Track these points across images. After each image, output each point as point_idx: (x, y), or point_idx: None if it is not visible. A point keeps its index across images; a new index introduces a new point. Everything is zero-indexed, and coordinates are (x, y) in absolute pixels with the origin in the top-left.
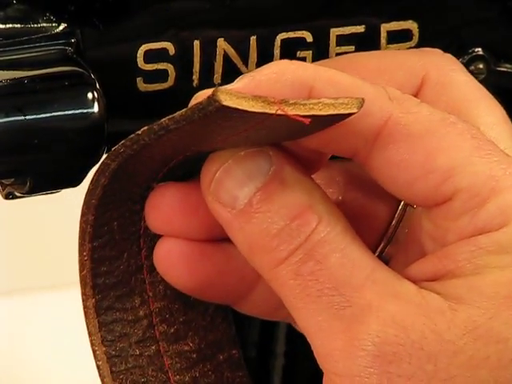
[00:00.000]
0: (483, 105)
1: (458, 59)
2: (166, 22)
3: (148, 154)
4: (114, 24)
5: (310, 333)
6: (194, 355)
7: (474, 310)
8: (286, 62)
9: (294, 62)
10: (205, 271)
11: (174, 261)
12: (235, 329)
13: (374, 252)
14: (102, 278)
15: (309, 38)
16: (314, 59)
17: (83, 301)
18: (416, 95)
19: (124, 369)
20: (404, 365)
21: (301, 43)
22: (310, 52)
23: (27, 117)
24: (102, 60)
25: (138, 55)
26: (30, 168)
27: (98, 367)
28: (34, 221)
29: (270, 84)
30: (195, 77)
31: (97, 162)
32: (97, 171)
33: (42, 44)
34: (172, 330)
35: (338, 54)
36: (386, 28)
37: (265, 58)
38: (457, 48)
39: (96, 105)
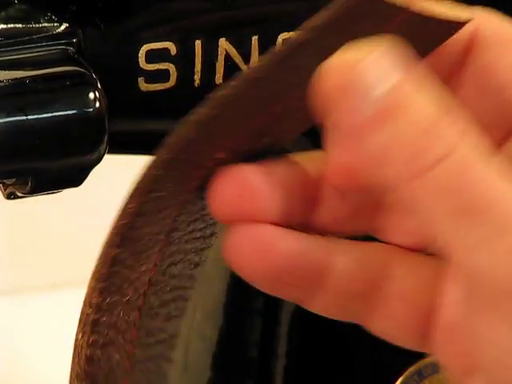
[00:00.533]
0: None
1: None
2: (168, 22)
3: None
4: (116, 24)
5: (456, 250)
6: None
7: None
8: None
9: None
10: (284, 259)
11: (256, 248)
12: (236, 329)
13: None
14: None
15: None
16: None
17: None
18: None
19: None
20: None
21: None
22: None
23: (29, 117)
24: (104, 60)
25: (139, 55)
26: (32, 168)
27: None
28: (34, 221)
29: None
30: (197, 77)
31: (98, 163)
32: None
33: (44, 44)
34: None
35: None
36: None
37: None
38: None
39: (97, 105)
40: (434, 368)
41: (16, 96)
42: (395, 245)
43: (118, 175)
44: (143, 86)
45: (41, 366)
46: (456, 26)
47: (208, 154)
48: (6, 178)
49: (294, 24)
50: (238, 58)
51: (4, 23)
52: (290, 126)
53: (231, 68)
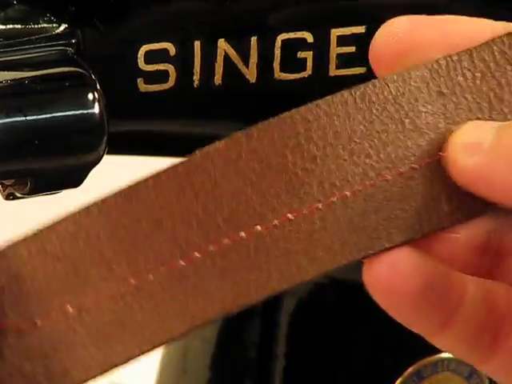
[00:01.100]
0: None
1: None
2: (167, 23)
3: None
4: (115, 25)
5: None
6: None
7: None
8: None
9: None
10: (423, 278)
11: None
12: (235, 330)
13: None
14: None
15: (309, 38)
16: (315, 60)
17: None
18: None
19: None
20: None
21: (301, 44)
22: (311, 53)
23: (28, 117)
24: (103, 61)
25: (138, 56)
26: (31, 169)
27: None
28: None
29: None
30: (196, 77)
31: (97, 163)
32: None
33: (43, 45)
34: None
35: (338, 55)
36: None
37: (265, 58)
38: None
39: (96, 105)
40: (433, 369)
41: (15, 97)
42: None
43: (117, 175)
44: (142, 86)
45: None
46: None
47: None
48: (5, 179)
49: (293, 25)
50: (236, 59)
51: (3, 24)
52: None
53: (230, 69)
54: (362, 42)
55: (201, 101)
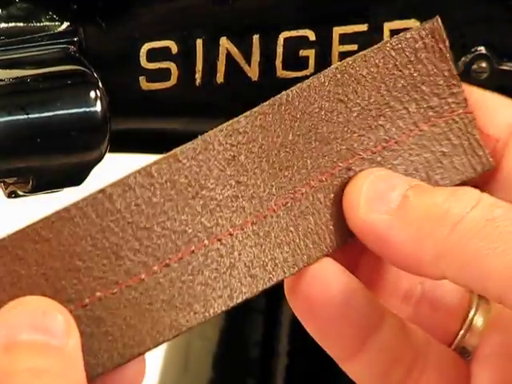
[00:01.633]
0: None
1: (461, 58)
2: (169, 21)
3: None
4: (117, 23)
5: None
6: None
7: None
8: None
9: None
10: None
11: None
12: (237, 329)
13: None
14: None
15: (312, 36)
16: (317, 58)
17: None
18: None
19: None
20: None
21: (303, 42)
22: (313, 51)
23: (30, 115)
24: (105, 59)
25: (140, 54)
26: (33, 167)
27: None
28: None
29: None
30: (198, 75)
31: (99, 161)
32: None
33: (45, 43)
34: None
35: (340, 53)
36: (388, 27)
37: (267, 56)
38: (459, 47)
39: (98, 103)
40: None
41: (17, 95)
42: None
43: (118, 174)
44: (144, 84)
45: None
46: None
47: None
48: (6, 177)
49: (295, 23)
50: (238, 57)
51: (5, 22)
52: None
53: (232, 67)
54: (364, 40)
55: (203, 99)
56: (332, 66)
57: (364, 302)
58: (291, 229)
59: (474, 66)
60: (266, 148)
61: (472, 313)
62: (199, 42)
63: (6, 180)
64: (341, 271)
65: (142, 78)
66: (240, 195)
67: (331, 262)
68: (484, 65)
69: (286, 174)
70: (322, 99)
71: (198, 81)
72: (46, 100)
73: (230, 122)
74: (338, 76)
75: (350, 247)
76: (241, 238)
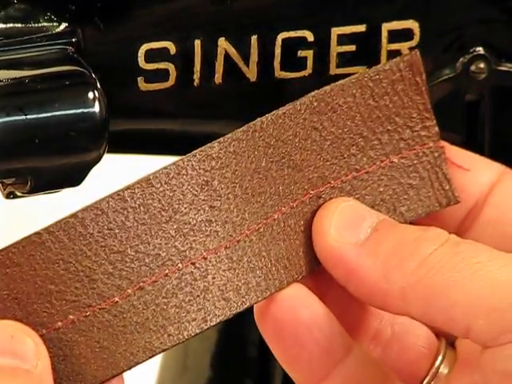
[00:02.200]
0: None
1: (459, 59)
2: (167, 22)
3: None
4: (115, 23)
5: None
6: None
7: None
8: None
9: None
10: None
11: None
12: (236, 329)
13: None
14: None
15: (310, 37)
16: (315, 58)
17: None
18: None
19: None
20: None
21: (302, 42)
22: (311, 51)
23: (28, 116)
24: (103, 59)
25: (139, 55)
26: (31, 167)
27: None
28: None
29: None
30: (196, 76)
31: (97, 162)
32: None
33: (43, 44)
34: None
35: (338, 54)
36: (387, 27)
37: (266, 57)
38: (458, 47)
39: (97, 104)
40: None
41: (15, 96)
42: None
43: (117, 175)
44: (143, 85)
45: None
46: None
47: None
48: (5, 178)
49: (294, 23)
50: (237, 58)
51: (3, 23)
52: None
53: (230, 68)
54: (363, 41)
55: (201, 100)
56: (309, 94)
57: (332, 329)
58: (263, 254)
59: (473, 67)
60: (240, 174)
61: (439, 361)
62: (197, 43)
63: (4, 181)
64: (311, 297)
65: (140, 79)
66: (213, 219)
67: (301, 287)
68: (482, 65)
69: (259, 199)
70: (297, 126)
71: (197, 81)
72: (45, 101)
73: (204, 147)
74: (315, 104)
75: (321, 276)
76: (214, 262)
